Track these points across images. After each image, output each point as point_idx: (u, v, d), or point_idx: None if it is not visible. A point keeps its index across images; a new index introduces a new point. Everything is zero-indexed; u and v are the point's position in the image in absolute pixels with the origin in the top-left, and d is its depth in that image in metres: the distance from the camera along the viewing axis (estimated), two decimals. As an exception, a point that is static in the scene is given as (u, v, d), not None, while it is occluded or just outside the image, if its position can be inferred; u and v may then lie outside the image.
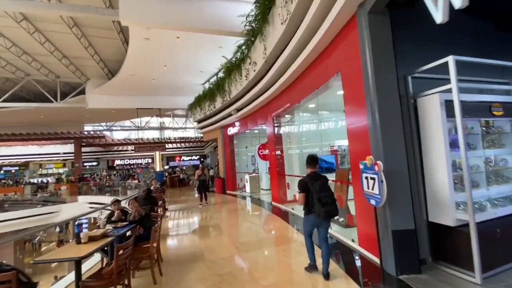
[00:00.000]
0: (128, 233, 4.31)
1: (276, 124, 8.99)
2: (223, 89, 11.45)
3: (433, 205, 3.59)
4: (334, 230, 5.48)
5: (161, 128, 28.38)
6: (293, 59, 6.10)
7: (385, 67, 3.68)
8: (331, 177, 8.13)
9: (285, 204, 8.57)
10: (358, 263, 4.10)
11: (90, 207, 15.57)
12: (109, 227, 4.00)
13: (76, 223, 3.40)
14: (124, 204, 7.11)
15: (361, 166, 3.45)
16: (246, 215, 7.96)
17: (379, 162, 3.09)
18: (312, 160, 3.76)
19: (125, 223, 4.26)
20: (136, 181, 14.65)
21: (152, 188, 9.01)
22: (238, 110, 11.12)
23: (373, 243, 3.98)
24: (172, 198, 13.30)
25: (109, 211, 4.83)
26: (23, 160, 26.86)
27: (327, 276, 3.51)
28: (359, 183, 4.27)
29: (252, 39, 8.15)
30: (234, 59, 10.30)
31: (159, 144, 19.91)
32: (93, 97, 16.15)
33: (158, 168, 24.77)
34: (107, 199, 14.37)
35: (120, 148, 28.13)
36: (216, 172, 15.41)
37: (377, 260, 3.83)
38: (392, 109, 3.63)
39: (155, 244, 4.01)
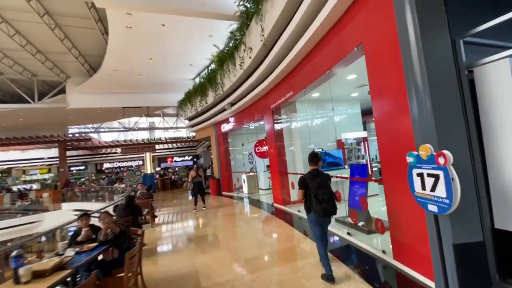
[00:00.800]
0: (100, 257, 3.29)
1: (276, 118, 8.03)
2: (215, 82, 10.42)
3: (501, 207, 2.69)
4: (355, 237, 4.57)
5: (151, 128, 27.07)
6: (297, 37, 5.14)
7: (435, 28, 2.75)
8: (338, 173, 7.23)
9: (288, 206, 7.63)
10: (398, 284, 3.18)
11: (76, 215, 14.36)
12: (70, 252, 2.96)
13: (13, 253, 2.33)
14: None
15: (410, 159, 2.51)
16: (246, 221, 6.98)
17: (446, 152, 2.16)
18: (314, 157, 3.53)
19: (94, 244, 3.22)
20: (123, 185, 13.47)
21: (138, 193, 7.95)
22: (232, 104, 10.12)
23: (418, 258, 3.07)
24: (163, 203, 12.21)
25: (78, 228, 3.76)
26: (5, 166, 25.19)
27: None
28: (394, 181, 3.36)
29: (248, 22, 7.17)
30: (226, 49, 9.30)
31: (148, 145, 18.69)
32: (75, 96, 14.84)
33: (149, 170, 23.49)
34: (93, 205, 13.17)
35: (109, 150, 26.71)
36: (211, 172, 14.39)
37: (427, 282, 2.92)
38: (448, 85, 2.70)
39: (134, 270, 3.00)
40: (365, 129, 9.08)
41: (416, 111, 2.85)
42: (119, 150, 24.02)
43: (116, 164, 29.60)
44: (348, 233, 4.70)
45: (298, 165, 7.83)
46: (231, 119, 11.21)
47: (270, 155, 8.44)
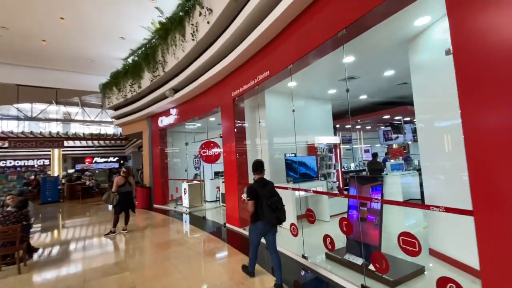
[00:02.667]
0: None
1: (238, 111, 5.97)
2: (154, 60, 7.85)
3: None
4: (375, 294, 2.82)
5: (58, 120, 21.66)
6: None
7: None
8: (312, 186, 5.59)
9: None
10: None
11: None
12: None
13: None
14: None
15: None
16: (187, 258, 4.55)
17: None
18: (260, 165, 3.39)
19: None
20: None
21: (8, 210, 4.75)
22: (176, 90, 7.68)
23: None
24: (65, 220, 8.71)
25: None
26: None
27: (281, 286, 3.09)
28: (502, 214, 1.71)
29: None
30: (173, 15, 6.93)
31: (51, 140, 14.19)
32: None
33: (56, 171, 18.37)
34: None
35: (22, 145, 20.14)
36: (140, 179, 11.28)
37: None
38: None
39: None
40: (335, 135, 7.82)
41: None
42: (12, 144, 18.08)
43: (10, 163, 22.67)
44: (364, 287, 2.93)
45: (267, 173, 5.91)
46: (173, 111, 8.66)
47: (226, 160, 6.30)
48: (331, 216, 5.73)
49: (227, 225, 6.12)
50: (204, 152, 10.87)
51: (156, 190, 9.70)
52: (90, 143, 22.14)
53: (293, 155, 5.78)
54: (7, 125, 21.75)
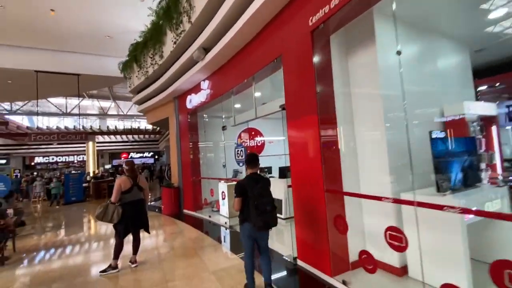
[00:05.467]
0: None
1: (320, 54, 3.08)
2: (177, 10, 5.24)
3: None
4: None
5: (86, 114, 20.64)
6: None
7: None
8: (482, 199, 2.49)
9: (348, 278, 2.73)
10: None
11: None
12: None
13: None
14: None
15: None
16: None
17: None
18: (254, 159, 2.71)
19: None
20: None
21: None
22: (207, 49, 5.00)
23: None
24: (62, 229, 6.66)
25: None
26: None
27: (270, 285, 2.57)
28: None
29: None
30: None
31: (75, 133, 12.60)
32: None
33: (91, 167, 17.23)
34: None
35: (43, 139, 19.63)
36: (167, 177, 9.00)
37: None
38: None
39: None
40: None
41: None
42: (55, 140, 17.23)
43: (53, 159, 22.40)
44: None
45: (372, 176, 2.96)
46: (205, 84, 6.01)
47: (294, 149, 3.46)
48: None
49: (300, 262, 3.33)
50: (244, 143, 8.20)
51: (186, 191, 7.24)
52: (124, 138, 20.94)
53: (442, 133, 2.79)
54: (48, 121, 21.30)
